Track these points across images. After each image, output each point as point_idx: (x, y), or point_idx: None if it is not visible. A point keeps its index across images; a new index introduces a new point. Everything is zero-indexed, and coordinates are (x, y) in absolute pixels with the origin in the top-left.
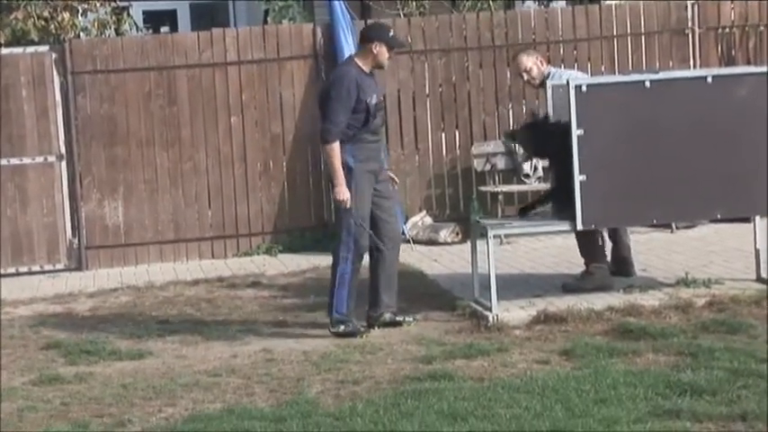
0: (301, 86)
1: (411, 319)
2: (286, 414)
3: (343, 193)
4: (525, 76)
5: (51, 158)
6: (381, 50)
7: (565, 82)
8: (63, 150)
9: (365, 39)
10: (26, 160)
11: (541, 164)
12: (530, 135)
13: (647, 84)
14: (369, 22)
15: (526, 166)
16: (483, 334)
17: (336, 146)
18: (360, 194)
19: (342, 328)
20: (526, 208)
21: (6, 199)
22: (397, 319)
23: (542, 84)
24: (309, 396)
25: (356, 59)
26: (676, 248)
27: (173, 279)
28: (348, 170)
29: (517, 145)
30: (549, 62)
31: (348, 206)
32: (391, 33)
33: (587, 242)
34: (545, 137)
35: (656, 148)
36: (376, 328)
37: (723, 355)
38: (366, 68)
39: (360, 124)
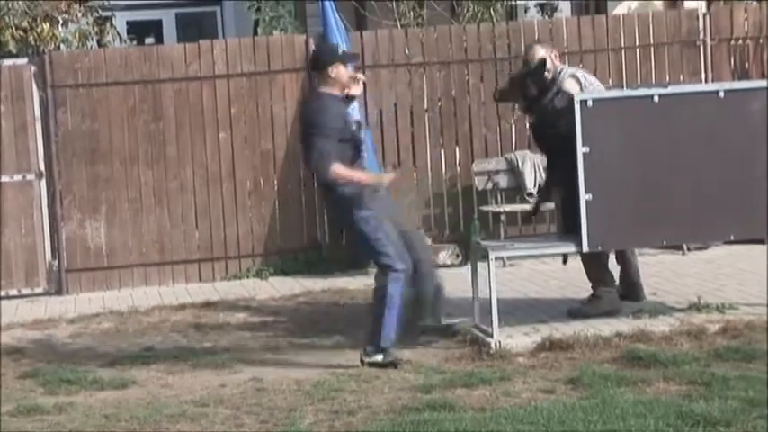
0: (293, 101)
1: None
2: None
3: (385, 177)
4: None
5: (30, 176)
6: (339, 70)
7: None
8: (42, 168)
9: (318, 67)
10: (3, 178)
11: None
12: (522, 86)
13: (656, 98)
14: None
15: (529, 185)
16: (484, 361)
17: (338, 165)
18: (379, 215)
19: (380, 357)
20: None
21: None
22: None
23: (553, 79)
24: (302, 427)
25: (323, 90)
26: (688, 271)
27: (158, 304)
28: (358, 194)
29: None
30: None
31: (400, 184)
32: (340, 50)
33: (594, 264)
34: (539, 96)
35: (666, 165)
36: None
37: (738, 383)
38: (336, 93)
39: (349, 157)
